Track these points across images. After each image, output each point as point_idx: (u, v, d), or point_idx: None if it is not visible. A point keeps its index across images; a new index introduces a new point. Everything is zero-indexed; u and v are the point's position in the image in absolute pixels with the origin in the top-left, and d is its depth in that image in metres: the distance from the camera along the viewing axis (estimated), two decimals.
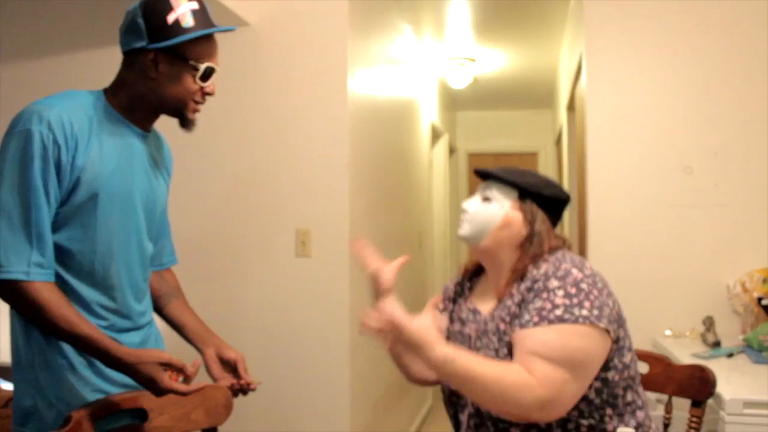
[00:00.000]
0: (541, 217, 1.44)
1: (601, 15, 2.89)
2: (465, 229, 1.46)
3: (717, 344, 2.46)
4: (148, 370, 1.28)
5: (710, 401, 1.73)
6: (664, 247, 2.79)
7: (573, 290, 1.28)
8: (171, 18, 1.38)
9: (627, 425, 1.34)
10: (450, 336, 1.54)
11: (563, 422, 1.31)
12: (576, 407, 1.29)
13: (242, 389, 1.51)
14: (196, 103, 1.47)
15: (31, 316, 1.32)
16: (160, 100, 1.45)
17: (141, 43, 1.39)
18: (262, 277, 2.77)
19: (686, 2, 2.81)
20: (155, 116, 1.52)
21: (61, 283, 1.36)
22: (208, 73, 1.45)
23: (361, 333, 1.27)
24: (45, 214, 1.31)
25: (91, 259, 1.39)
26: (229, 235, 2.80)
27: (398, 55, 3.83)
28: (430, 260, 5.10)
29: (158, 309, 1.65)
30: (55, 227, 1.35)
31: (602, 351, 1.28)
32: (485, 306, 1.47)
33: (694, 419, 1.61)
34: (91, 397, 1.38)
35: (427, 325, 1.25)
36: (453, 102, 6.44)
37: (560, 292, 1.28)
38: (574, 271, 1.31)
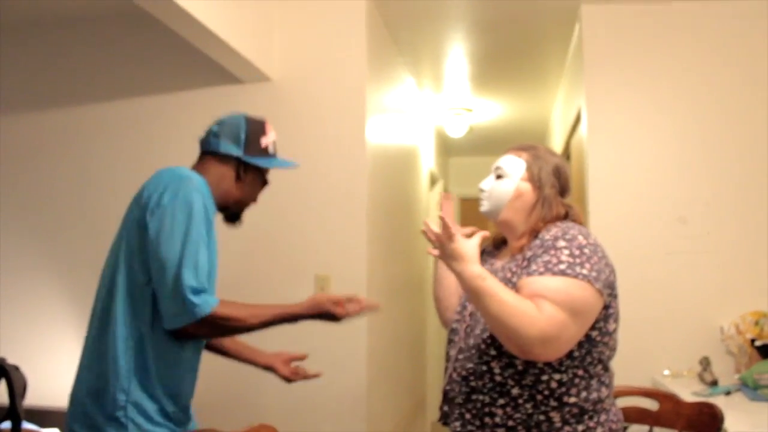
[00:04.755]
0: (551, 183, 1.60)
1: (601, 73, 3.09)
2: (485, 206, 1.65)
3: (714, 383, 2.61)
4: (326, 308, 1.69)
5: None
6: (661, 291, 2.95)
7: (577, 252, 1.43)
8: (263, 142, 1.76)
9: (590, 395, 1.46)
10: None
11: (537, 375, 1.44)
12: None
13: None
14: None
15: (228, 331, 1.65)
16: (236, 198, 1.76)
17: (237, 153, 1.72)
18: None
19: (683, 62, 3.03)
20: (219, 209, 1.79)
21: None
22: (265, 186, 1.86)
23: (423, 232, 1.49)
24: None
25: None
26: (249, 281, 2.91)
27: (402, 105, 4.02)
28: (429, 303, 5.22)
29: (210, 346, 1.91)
30: None
31: (596, 307, 1.42)
32: (501, 261, 1.65)
33: None
34: None
35: (472, 245, 1.42)
36: (447, 149, 6.64)
37: (566, 252, 1.43)
38: (580, 237, 1.47)
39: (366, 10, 2.97)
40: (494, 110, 5.24)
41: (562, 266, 1.40)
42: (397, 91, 3.83)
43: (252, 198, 1.81)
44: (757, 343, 2.65)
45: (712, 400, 2.25)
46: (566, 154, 4.41)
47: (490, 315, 1.36)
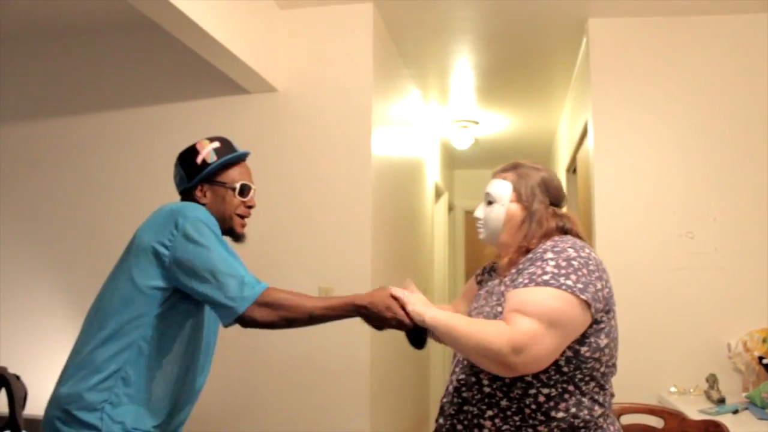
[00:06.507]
0: (538, 199, 1.60)
1: (608, 86, 3.08)
2: (482, 234, 1.68)
3: (722, 401, 2.57)
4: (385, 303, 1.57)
5: None
6: (668, 307, 2.92)
7: (564, 263, 1.42)
8: (199, 159, 1.78)
9: (580, 412, 1.43)
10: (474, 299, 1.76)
11: (525, 388, 1.43)
12: (545, 371, 1.41)
13: None
14: (241, 216, 1.82)
15: (280, 317, 1.57)
16: (219, 217, 1.75)
17: (185, 184, 1.80)
18: (284, 333, 2.85)
19: (690, 76, 3.02)
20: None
21: None
22: (243, 189, 1.81)
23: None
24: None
25: None
26: None
27: (408, 117, 4.02)
28: None
29: None
30: None
31: (580, 319, 1.39)
32: (499, 278, 1.66)
33: None
34: None
35: (421, 299, 1.55)
36: (452, 161, 6.64)
37: (552, 263, 1.42)
38: (570, 250, 1.46)
39: (372, 22, 2.97)
40: (500, 123, 5.23)
41: (546, 277, 1.40)
42: (403, 103, 3.82)
43: (231, 207, 1.80)
44: (765, 361, 2.62)
45: (718, 418, 2.22)
46: (573, 167, 4.39)
47: (460, 346, 1.42)
